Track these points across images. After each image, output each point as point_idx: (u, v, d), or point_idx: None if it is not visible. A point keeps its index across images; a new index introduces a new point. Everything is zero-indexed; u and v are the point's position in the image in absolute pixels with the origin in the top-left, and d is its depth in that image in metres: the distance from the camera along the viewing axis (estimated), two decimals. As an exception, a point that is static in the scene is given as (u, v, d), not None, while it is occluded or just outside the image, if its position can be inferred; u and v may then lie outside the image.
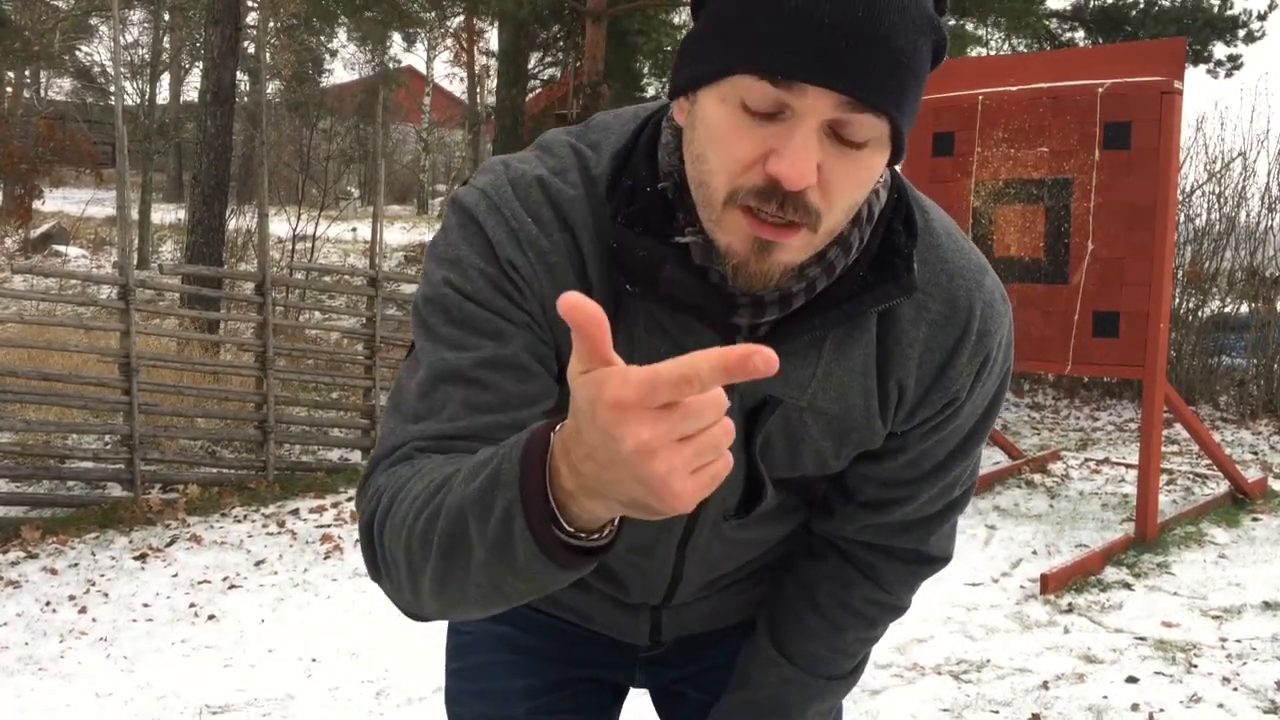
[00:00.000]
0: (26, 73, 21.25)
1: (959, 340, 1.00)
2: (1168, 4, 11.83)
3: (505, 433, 0.84)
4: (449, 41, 23.75)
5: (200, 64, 11.67)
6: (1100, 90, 5.05)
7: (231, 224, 11.18)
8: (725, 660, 1.27)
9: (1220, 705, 3.40)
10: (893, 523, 1.12)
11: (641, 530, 1.08)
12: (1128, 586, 4.59)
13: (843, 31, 0.77)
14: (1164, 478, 6.21)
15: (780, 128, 0.81)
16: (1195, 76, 13.85)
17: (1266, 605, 4.34)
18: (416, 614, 0.89)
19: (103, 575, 4.65)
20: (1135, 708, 3.39)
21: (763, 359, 0.57)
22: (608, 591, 1.21)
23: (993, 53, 13.09)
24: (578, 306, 0.60)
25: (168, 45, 21.29)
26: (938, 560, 1.17)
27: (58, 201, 16.69)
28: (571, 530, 0.71)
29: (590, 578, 1.16)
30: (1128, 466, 6.77)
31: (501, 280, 0.93)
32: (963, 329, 1.00)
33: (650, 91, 15.53)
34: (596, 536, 0.72)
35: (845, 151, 0.82)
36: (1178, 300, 9.06)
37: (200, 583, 4.59)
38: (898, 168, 0.96)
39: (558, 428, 0.70)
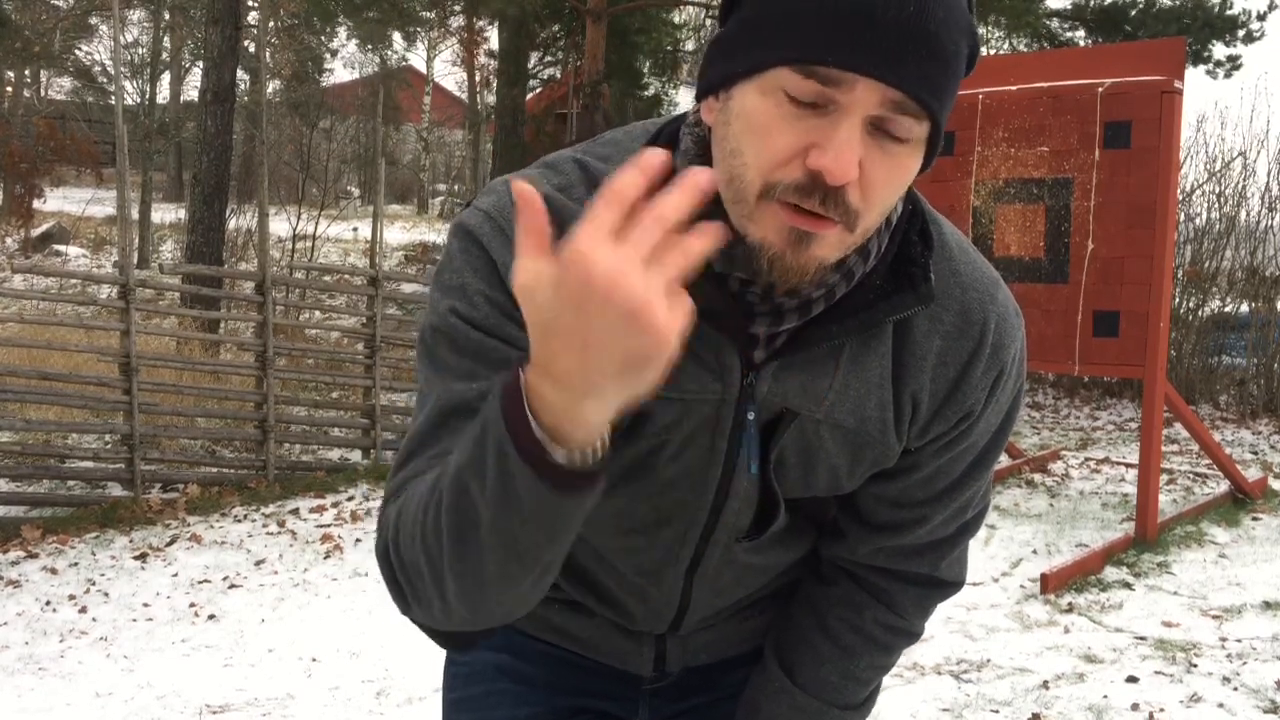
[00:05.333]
0: (26, 73, 21.23)
1: (973, 353, 1.00)
2: (1168, 4, 11.84)
3: None
4: (450, 41, 23.75)
5: (200, 63, 11.66)
6: (1100, 90, 5.05)
7: (231, 223, 11.18)
8: (732, 692, 1.23)
9: (1220, 705, 3.40)
10: (905, 546, 1.11)
11: (649, 555, 1.08)
12: (1128, 586, 4.59)
13: (894, 27, 0.77)
14: (1164, 477, 6.22)
15: (823, 121, 0.79)
16: (1195, 76, 13.84)
17: (1266, 605, 4.34)
18: (449, 627, 0.88)
19: (103, 575, 4.65)
20: (1135, 707, 3.39)
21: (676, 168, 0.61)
22: (611, 618, 1.18)
23: (993, 52, 13.09)
24: (524, 194, 0.65)
25: (168, 45, 21.30)
26: (950, 585, 1.16)
27: (58, 201, 16.68)
28: (564, 458, 0.73)
29: (594, 603, 1.16)
30: (1128, 466, 6.77)
31: (508, 305, 0.90)
32: (977, 342, 0.99)
33: (650, 91, 15.52)
34: (591, 460, 0.74)
35: (887, 149, 0.81)
36: (1178, 300, 9.06)
37: (200, 582, 4.59)
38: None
39: (524, 367, 0.72)
